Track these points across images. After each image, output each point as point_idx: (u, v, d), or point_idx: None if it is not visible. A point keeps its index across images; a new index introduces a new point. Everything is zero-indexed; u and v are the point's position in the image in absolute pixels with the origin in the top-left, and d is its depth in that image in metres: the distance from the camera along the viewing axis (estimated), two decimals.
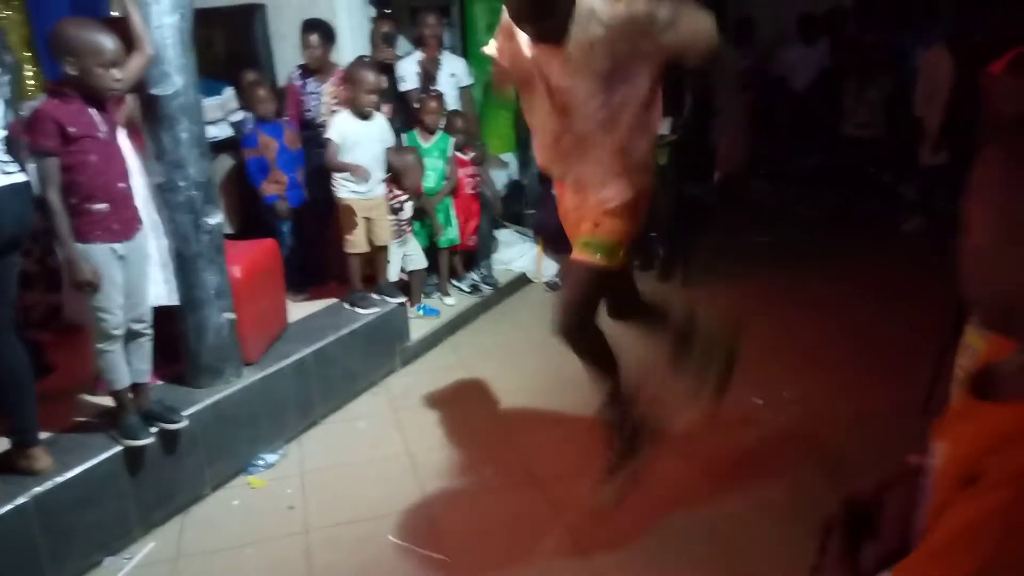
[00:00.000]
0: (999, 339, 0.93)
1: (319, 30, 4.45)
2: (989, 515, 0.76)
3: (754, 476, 2.95)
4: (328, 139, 3.93)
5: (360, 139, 3.93)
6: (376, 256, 4.19)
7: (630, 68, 2.26)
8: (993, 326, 0.85)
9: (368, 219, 4.06)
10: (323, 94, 4.46)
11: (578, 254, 2.46)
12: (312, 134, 4.40)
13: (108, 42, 2.54)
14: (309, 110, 4.52)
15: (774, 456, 3.10)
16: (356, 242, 4.06)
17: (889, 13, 7.01)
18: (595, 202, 2.45)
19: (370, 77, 3.93)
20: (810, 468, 2.95)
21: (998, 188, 0.82)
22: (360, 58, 4.44)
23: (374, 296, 4.10)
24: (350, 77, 4.00)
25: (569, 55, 2.22)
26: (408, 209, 4.46)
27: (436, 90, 4.85)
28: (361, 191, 4.00)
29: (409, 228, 4.52)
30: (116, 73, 2.57)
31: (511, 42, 2.43)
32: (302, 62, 4.56)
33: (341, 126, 3.93)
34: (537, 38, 2.28)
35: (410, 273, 4.62)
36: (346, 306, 4.06)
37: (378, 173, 4.08)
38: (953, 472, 0.84)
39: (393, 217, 4.34)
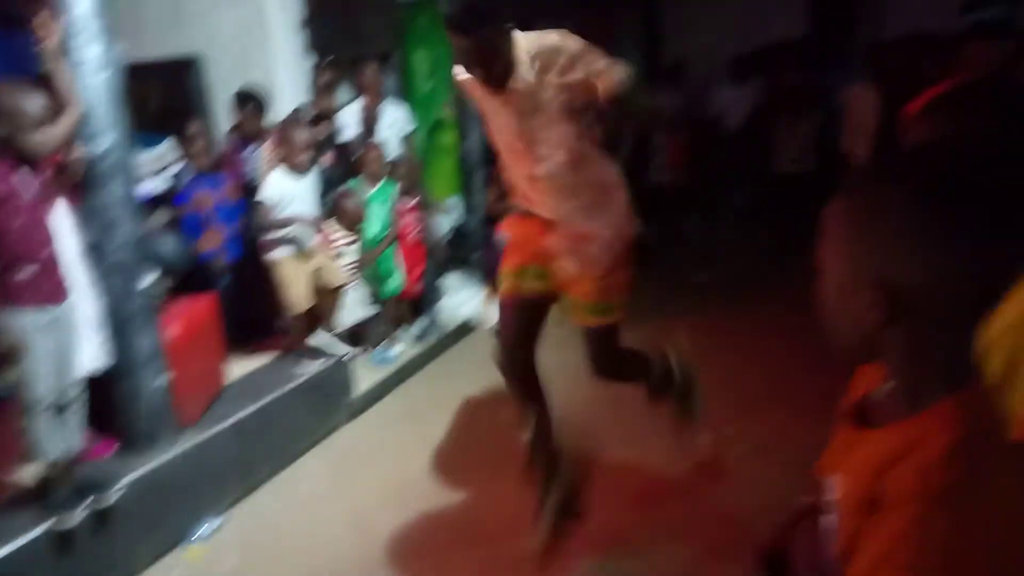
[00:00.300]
0: (871, 368, 0.97)
1: (252, 102, 4.41)
2: (899, 537, 0.78)
3: (699, 516, 2.95)
4: (259, 201, 3.85)
5: (295, 196, 3.88)
6: (325, 301, 4.11)
7: (568, 101, 2.36)
8: (855, 356, 0.92)
9: (314, 270, 3.98)
10: (260, 157, 4.41)
11: (594, 320, 2.56)
12: (253, 191, 4.35)
13: (36, 105, 2.50)
14: (248, 175, 4.47)
15: (721, 495, 3.11)
16: (298, 302, 3.96)
17: (813, 53, 7.29)
18: (596, 260, 2.49)
19: (302, 135, 3.89)
20: (756, 507, 2.95)
21: (845, 235, 0.87)
22: (294, 113, 4.42)
23: (317, 349, 4.01)
24: (282, 136, 3.96)
25: (517, 96, 2.34)
26: (349, 254, 4.43)
27: (373, 138, 4.86)
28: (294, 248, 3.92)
29: (354, 275, 4.49)
30: (44, 134, 2.51)
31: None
32: (233, 124, 4.54)
33: (275, 186, 3.86)
34: (486, 82, 2.38)
35: (360, 323, 4.58)
36: (289, 363, 3.94)
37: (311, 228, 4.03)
38: (854, 501, 0.87)
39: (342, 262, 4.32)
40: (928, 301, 0.81)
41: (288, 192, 3.86)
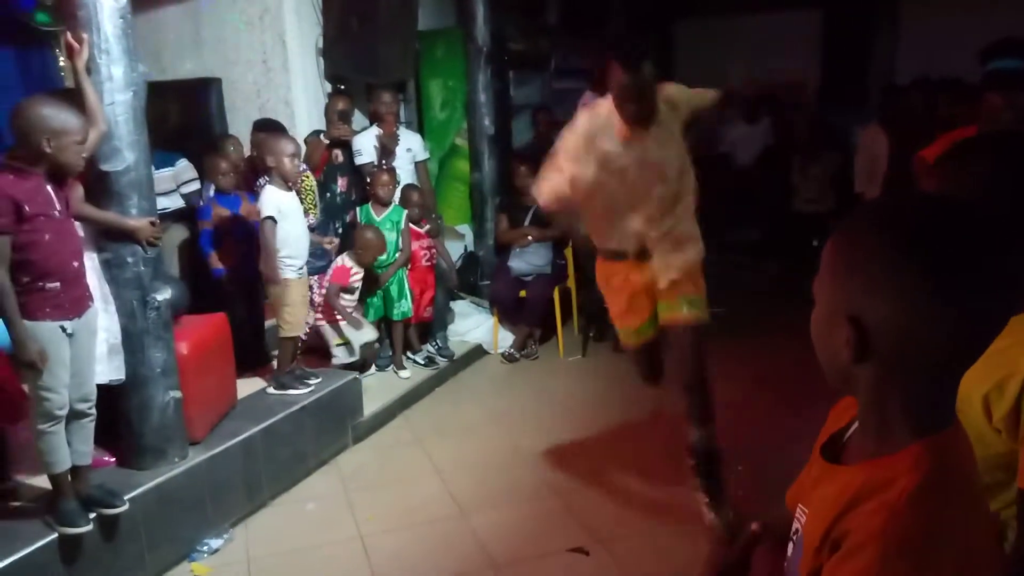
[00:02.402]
0: (847, 401, 1.00)
1: (263, 132, 4.33)
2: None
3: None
4: (267, 218, 3.71)
5: (291, 210, 3.80)
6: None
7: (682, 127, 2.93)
8: (837, 386, 0.93)
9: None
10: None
11: (690, 315, 2.95)
12: None
13: (79, 120, 2.54)
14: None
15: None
16: (297, 324, 3.89)
17: (826, 94, 7.36)
18: (691, 259, 2.95)
19: (288, 146, 3.78)
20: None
21: (832, 268, 0.89)
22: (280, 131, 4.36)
23: (303, 373, 3.95)
24: (268, 148, 3.84)
25: (658, 130, 2.81)
26: (358, 290, 4.44)
27: (388, 164, 4.89)
28: (301, 269, 3.88)
29: (361, 308, 4.48)
30: (83, 150, 2.56)
31: (588, 153, 2.85)
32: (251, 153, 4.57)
33: (274, 200, 3.74)
34: (638, 118, 2.76)
35: (362, 348, 4.57)
36: (271, 391, 3.84)
37: (307, 244, 3.95)
38: (815, 538, 0.88)
39: (350, 297, 4.29)
40: (897, 345, 0.82)
41: (283, 206, 3.77)
